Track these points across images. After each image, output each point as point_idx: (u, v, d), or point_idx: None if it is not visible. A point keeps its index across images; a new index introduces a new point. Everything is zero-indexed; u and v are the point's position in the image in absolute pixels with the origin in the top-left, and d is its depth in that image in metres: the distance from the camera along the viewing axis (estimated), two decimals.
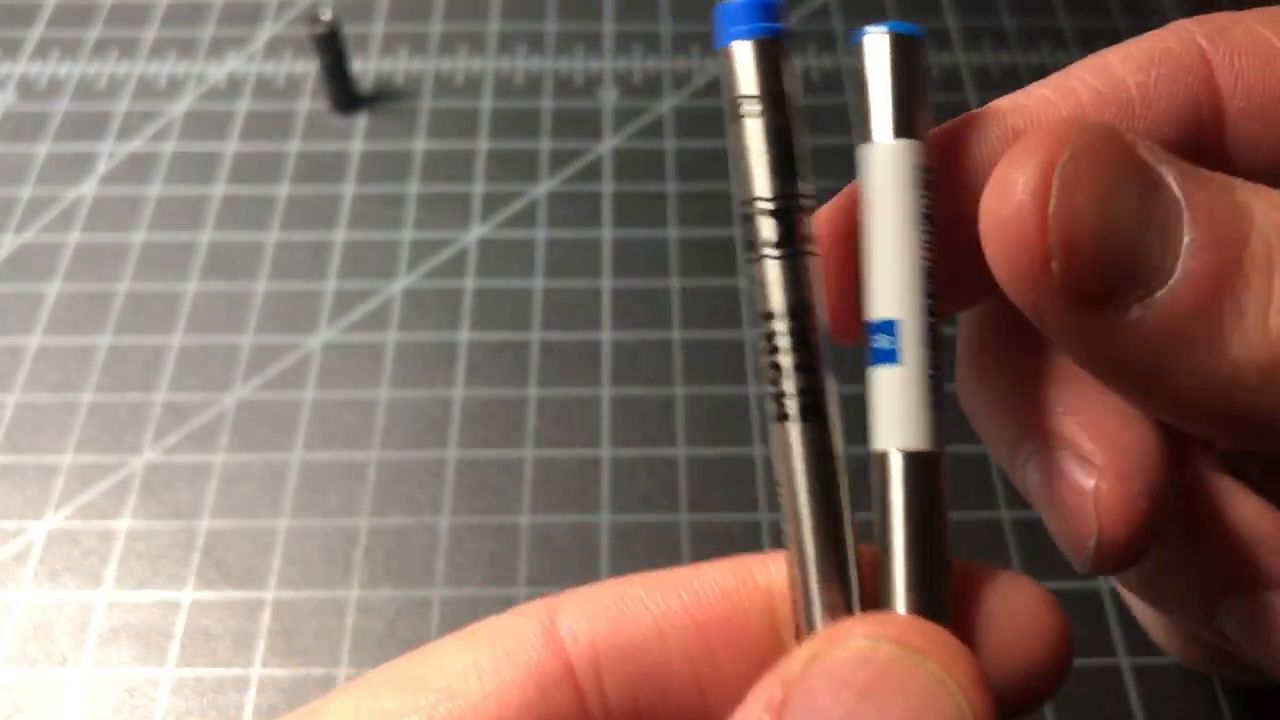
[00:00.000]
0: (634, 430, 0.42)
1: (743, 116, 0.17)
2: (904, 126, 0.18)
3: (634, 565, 0.38)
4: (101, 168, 0.51)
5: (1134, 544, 0.17)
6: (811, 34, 0.55)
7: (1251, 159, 0.18)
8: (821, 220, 0.18)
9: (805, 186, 0.17)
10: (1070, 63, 0.20)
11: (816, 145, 0.51)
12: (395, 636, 0.37)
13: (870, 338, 0.17)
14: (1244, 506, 0.20)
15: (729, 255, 0.47)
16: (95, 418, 0.42)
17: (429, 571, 0.38)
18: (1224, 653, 0.23)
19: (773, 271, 0.17)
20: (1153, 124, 0.18)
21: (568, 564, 0.38)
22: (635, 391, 0.43)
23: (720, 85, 0.17)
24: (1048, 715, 0.35)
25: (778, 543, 0.39)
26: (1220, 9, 0.19)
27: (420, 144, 0.51)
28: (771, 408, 0.17)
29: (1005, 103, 0.19)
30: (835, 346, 0.17)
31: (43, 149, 0.51)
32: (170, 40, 0.56)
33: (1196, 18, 0.19)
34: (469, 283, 0.46)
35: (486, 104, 0.53)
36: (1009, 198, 0.16)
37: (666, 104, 0.53)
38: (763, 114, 0.16)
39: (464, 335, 0.45)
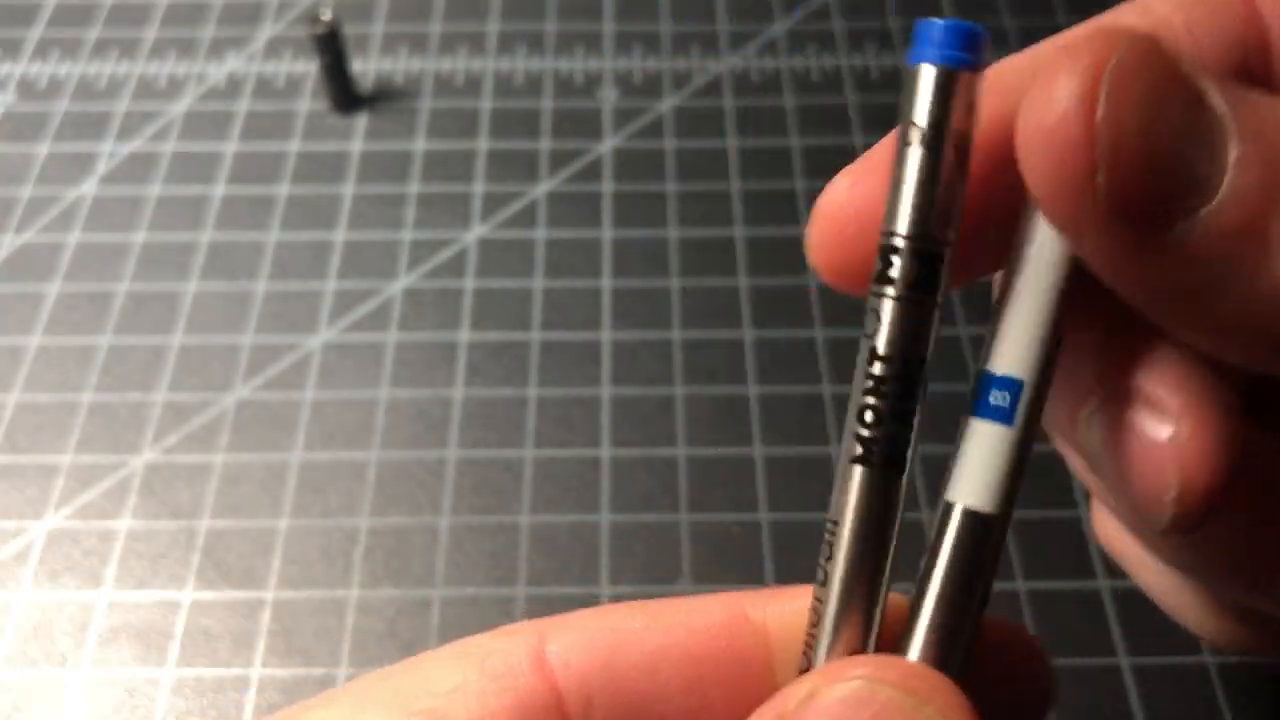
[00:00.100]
0: (634, 430, 0.42)
1: (908, 144, 0.16)
2: None
3: (634, 565, 0.38)
4: (102, 168, 0.51)
5: (1218, 494, 0.16)
6: (811, 34, 0.55)
7: None
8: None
9: (950, 233, 0.16)
10: None
11: (816, 145, 0.51)
12: (395, 636, 0.37)
13: (986, 389, 0.17)
14: None
15: (729, 255, 0.47)
16: (95, 418, 0.42)
17: (429, 571, 0.38)
18: (1271, 627, 0.22)
19: (896, 313, 0.16)
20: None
21: (568, 564, 0.38)
22: (635, 391, 0.43)
23: (898, 103, 0.16)
24: (1048, 715, 0.35)
25: (778, 542, 0.39)
26: None
27: (420, 144, 0.51)
28: (854, 447, 0.16)
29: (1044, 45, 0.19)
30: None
31: (43, 149, 0.51)
32: (170, 40, 0.56)
33: None
34: (469, 283, 0.46)
35: (486, 104, 0.53)
36: (1054, 104, 0.15)
37: (666, 104, 0.53)
38: (927, 147, 0.16)
39: (464, 335, 0.45)
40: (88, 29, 0.56)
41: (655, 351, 0.44)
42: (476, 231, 0.48)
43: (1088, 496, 0.40)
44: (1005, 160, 0.16)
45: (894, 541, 0.17)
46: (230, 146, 0.51)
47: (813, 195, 0.49)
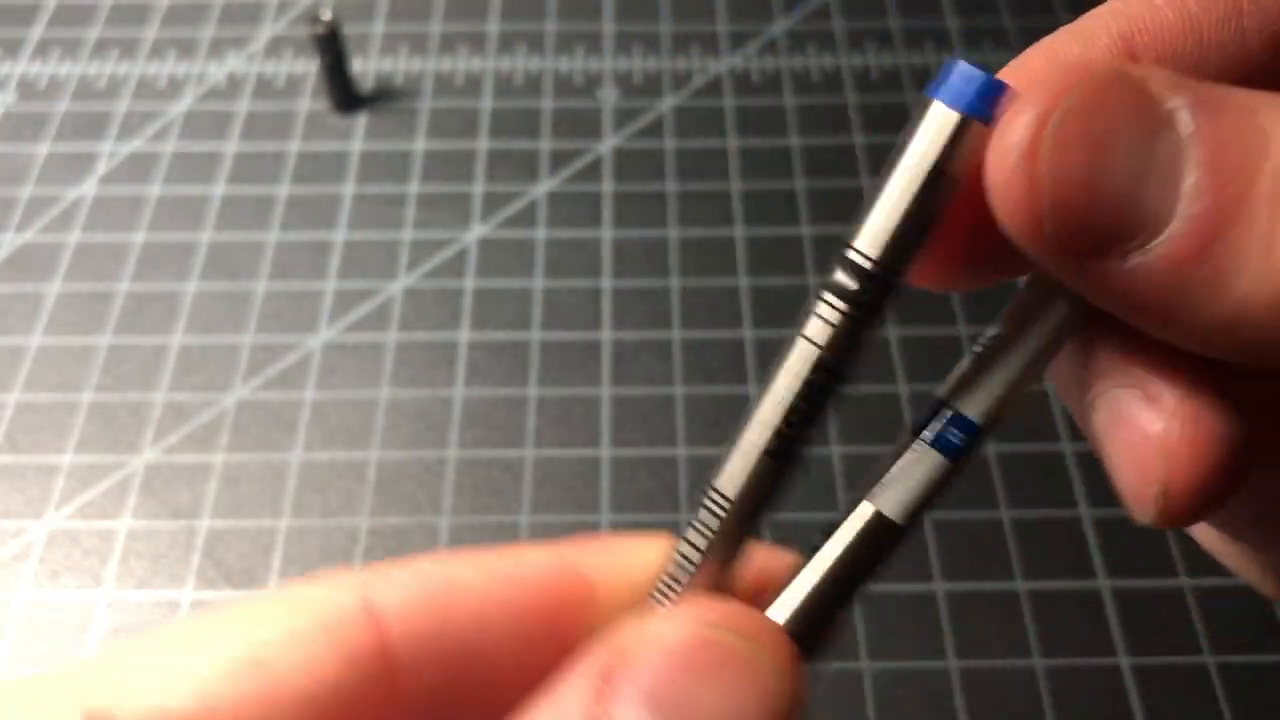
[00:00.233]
0: (634, 430, 0.42)
1: (900, 173, 0.16)
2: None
3: None
4: (102, 168, 0.51)
5: (1205, 494, 0.17)
6: (811, 34, 0.55)
7: None
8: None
9: (908, 267, 0.16)
10: None
11: (816, 145, 0.51)
12: None
13: (947, 423, 0.17)
14: None
15: (729, 255, 0.47)
16: (95, 418, 0.43)
17: None
18: None
19: (846, 329, 0.17)
20: (1200, 47, 0.18)
21: None
22: (635, 391, 0.43)
23: (905, 128, 0.16)
24: (1048, 715, 0.35)
25: (779, 541, 0.39)
26: None
27: (420, 144, 0.51)
28: (769, 440, 0.17)
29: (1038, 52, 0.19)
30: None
31: (43, 149, 0.51)
32: (170, 40, 0.56)
33: None
34: (469, 283, 0.46)
35: (486, 104, 0.53)
36: (1003, 161, 0.15)
37: (666, 104, 0.53)
38: (918, 182, 0.16)
39: (464, 335, 0.45)
40: (88, 29, 0.56)
41: (655, 351, 0.44)
42: (476, 231, 0.48)
43: (1088, 496, 0.40)
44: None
45: (760, 523, 0.18)
46: (230, 146, 0.51)
47: (813, 195, 0.49)
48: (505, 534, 0.39)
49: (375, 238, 0.48)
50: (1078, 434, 0.40)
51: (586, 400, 0.43)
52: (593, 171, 0.50)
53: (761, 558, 0.18)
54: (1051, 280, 0.17)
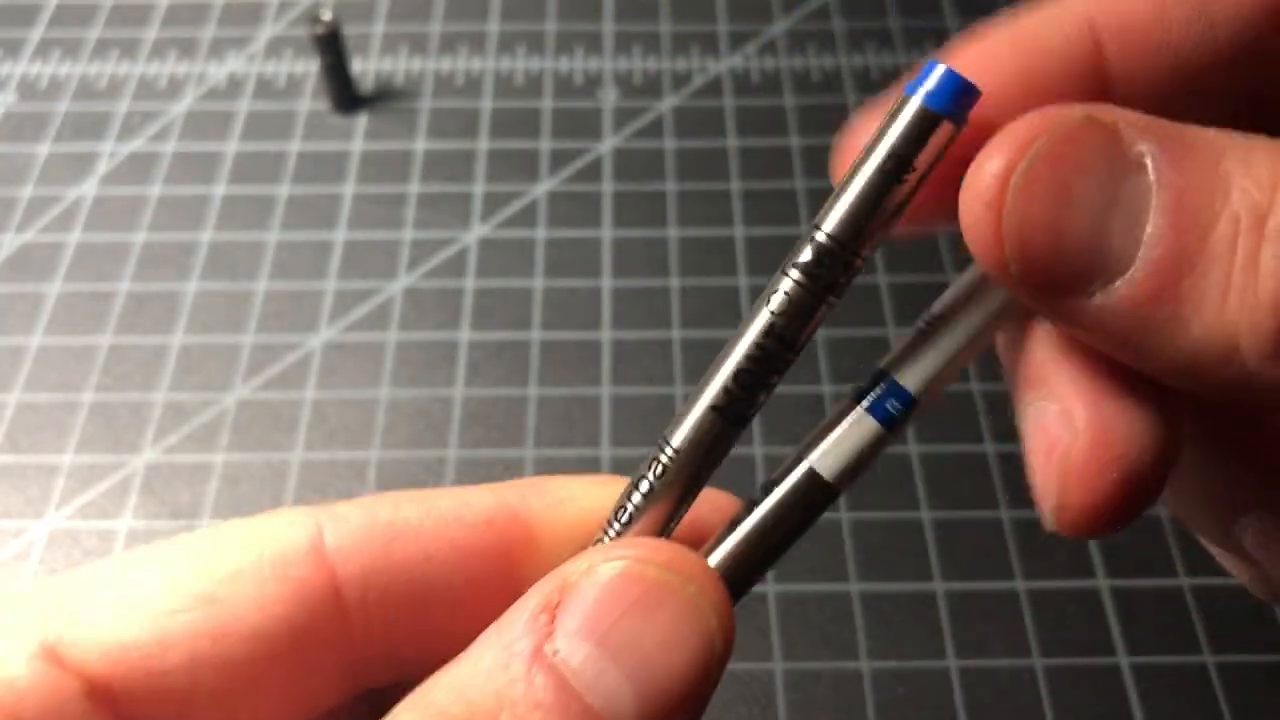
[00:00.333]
0: (634, 430, 0.42)
1: (871, 161, 0.17)
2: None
3: None
4: (102, 168, 0.51)
5: (1096, 515, 0.17)
6: (811, 34, 0.55)
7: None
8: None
9: (866, 250, 0.18)
10: None
11: (816, 145, 0.51)
12: None
13: (886, 394, 0.18)
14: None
15: (729, 255, 0.47)
16: (96, 417, 0.43)
17: None
18: None
19: (804, 303, 0.18)
20: (1167, 34, 0.18)
21: None
22: (635, 391, 0.43)
23: (883, 120, 0.17)
24: (1048, 715, 0.35)
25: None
26: None
27: (420, 144, 0.51)
28: (717, 396, 0.18)
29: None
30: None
31: (44, 149, 0.51)
32: (171, 40, 0.56)
33: None
34: (469, 282, 0.46)
35: (486, 104, 0.53)
36: (970, 206, 0.16)
37: (666, 104, 0.53)
38: (885, 173, 0.17)
39: (464, 335, 0.45)
40: (88, 29, 0.56)
41: (655, 351, 0.44)
42: (477, 231, 0.48)
43: None
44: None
45: (706, 479, 0.19)
46: (231, 146, 0.51)
47: (813, 195, 0.49)
48: None
49: (375, 238, 0.48)
50: None
51: (586, 400, 0.43)
52: (593, 171, 0.50)
53: (703, 506, 0.19)
54: None
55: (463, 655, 0.17)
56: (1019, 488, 0.40)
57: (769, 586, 0.38)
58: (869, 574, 0.38)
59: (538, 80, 0.54)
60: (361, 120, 0.52)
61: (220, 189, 0.50)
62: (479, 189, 0.50)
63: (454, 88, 0.54)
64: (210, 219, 0.49)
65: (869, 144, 0.17)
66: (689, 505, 0.19)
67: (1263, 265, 0.15)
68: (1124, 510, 0.17)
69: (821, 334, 0.44)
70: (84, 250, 0.48)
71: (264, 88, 0.54)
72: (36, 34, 0.56)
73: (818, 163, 0.50)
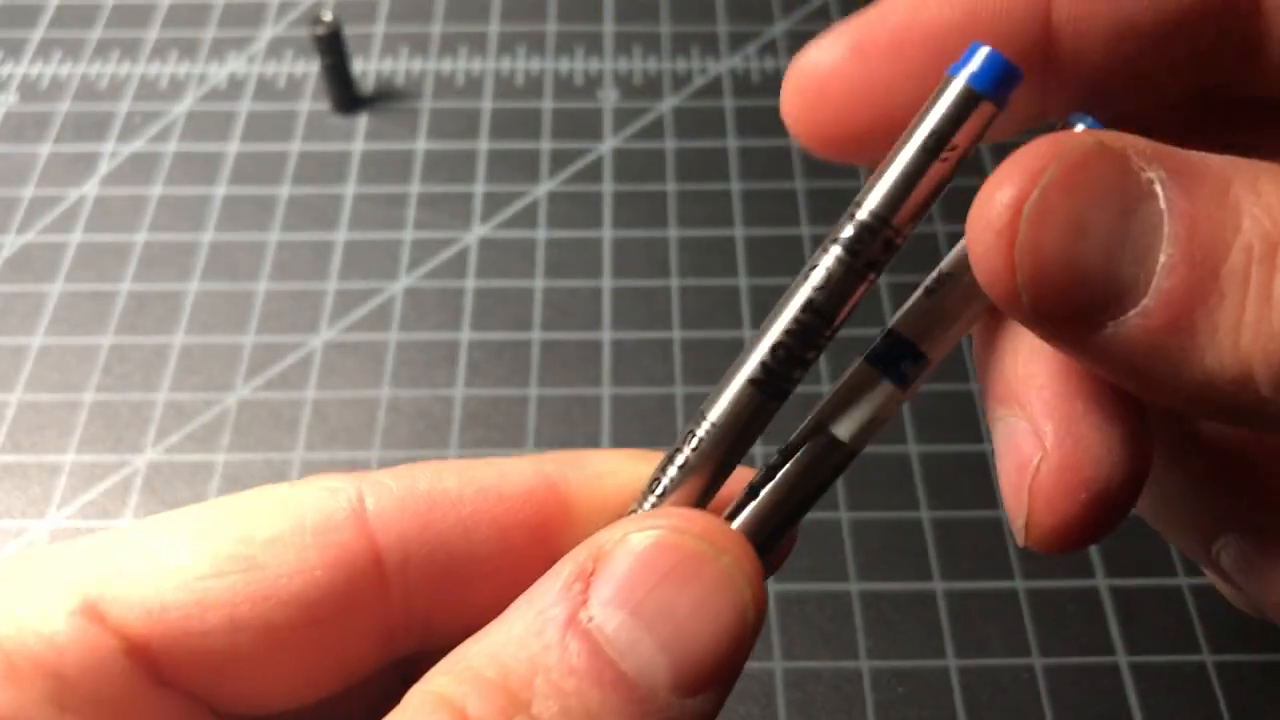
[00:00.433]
0: (634, 430, 0.42)
1: (910, 138, 0.17)
2: None
3: None
4: (103, 168, 0.51)
5: (1065, 534, 0.17)
6: (812, 34, 0.55)
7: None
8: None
9: (910, 228, 0.18)
10: None
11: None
12: None
13: (900, 355, 0.19)
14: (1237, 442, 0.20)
15: (729, 255, 0.47)
16: (97, 417, 0.43)
17: None
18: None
19: (844, 280, 0.18)
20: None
21: None
22: (635, 391, 0.43)
23: (926, 102, 0.17)
24: (1047, 714, 0.36)
25: None
26: None
27: (421, 144, 0.51)
28: (755, 370, 0.18)
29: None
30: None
31: (45, 149, 0.51)
32: (172, 41, 0.56)
33: None
34: (470, 283, 0.46)
35: (487, 104, 0.53)
36: (980, 236, 0.16)
37: (666, 104, 0.53)
38: (928, 151, 0.17)
39: (465, 335, 0.45)
40: (90, 30, 0.57)
41: (655, 351, 0.44)
42: (477, 231, 0.48)
43: None
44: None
45: (744, 452, 0.19)
46: (232, 147, 0.51)
47: (813, 195, 0.49)
48: None
49: (376, 238, 0.48)
50: None
51: (586, 400, 0.43)
52: (593, 172, 0.50)
53: (736, 481, 0.19)
54: None
55: (497, 621, 0.17)
56: None
57: (769, 586, 0.38)
58: (869, 574, 0.38)
59: (538, 81, 0.54)
60: (362, 121, 0.52)
61: (221, 189, 0.50)
62: (479, 189, 0.50)
63: (454, 88, 0.54)
64: (211, 219, 0.49)
65: (911, 125, 0.17)
66: (724, 479, 0.19)
67: (1275, 296, 0.15)
68: (1092, 530, 0.17)
69: None
70: (85, 250, 0.48)
71: (265, 88, 0.54)
72: (37, 34, 0.56)
73: (818, 163, 0.50)
